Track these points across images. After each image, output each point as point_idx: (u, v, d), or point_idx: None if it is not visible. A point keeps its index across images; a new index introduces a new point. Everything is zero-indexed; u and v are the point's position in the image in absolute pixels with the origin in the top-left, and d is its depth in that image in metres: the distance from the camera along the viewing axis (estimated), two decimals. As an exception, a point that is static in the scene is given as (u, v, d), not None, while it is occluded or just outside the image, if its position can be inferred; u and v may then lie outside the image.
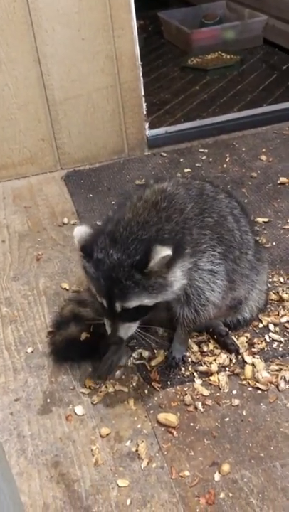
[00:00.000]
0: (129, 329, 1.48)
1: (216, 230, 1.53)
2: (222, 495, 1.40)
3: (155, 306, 1.44)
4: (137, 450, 1.52)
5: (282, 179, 2.47)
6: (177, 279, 1.43)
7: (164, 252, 1.36)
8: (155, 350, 1.76)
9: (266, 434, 1.53)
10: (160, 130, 2.89)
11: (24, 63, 2.53)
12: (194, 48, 3.99)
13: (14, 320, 1.96)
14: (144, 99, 2.74)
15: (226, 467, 1.45)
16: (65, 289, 2.06)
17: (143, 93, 2.71)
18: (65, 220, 2.43)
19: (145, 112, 2.78)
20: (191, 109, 3.28)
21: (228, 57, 3.90)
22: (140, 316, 1.46)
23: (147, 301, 1.41)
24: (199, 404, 1.61)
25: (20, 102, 2.60)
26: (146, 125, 2.81)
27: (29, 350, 1.84)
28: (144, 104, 2.76)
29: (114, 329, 1.47)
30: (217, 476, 1.44)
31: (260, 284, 1.76)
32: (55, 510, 1.41)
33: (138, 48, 2.60)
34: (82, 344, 1.75)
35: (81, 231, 1.48)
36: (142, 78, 2.69)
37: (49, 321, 1.91)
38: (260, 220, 2.25)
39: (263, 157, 2.64)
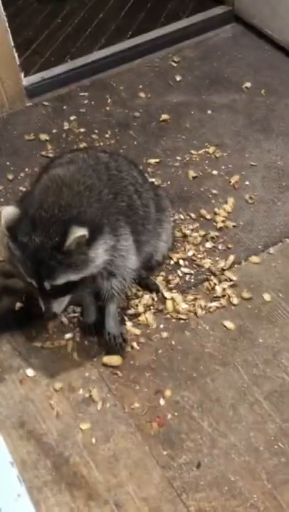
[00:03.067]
0: (62, 304, 1.62)
1: (127, 214, 1.69)
2: (169, 416, 1.69)
3: (83, 281, 1.59)
4: (90, 395, 1.74)
5: (164, 116, 2.61)
6: (99, 255, 1.57)
7: (80, 232, 1.49)
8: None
9: (194, 357, 1.81)
10: (36, 78, 2.89)
11: None
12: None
13: None
14: (14, 49, 2.71)
15: (167, 392, 1.73)
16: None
17: (13, 44, 2.68)
18: None
19: (19, 62, 2.76)
20: (59, 46, 3.25)
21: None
22: (70, 291, 1.60)
23: (73, 276, 1.55)
24: (134, 344, 1.85)
25: None
26: (22, 75, 2.80)
27: None
28: (16, 54, 2.74)
29: (47, 307, 1.61)
30: (162, 401, 1.71)
31: (165, 231, 1.96)
32: (33, 463, 1.63)
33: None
34: (18, 313, 1.91)
35: (9, 212, 1.55)
36: (9, 29, 2.65)
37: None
38: (152, 161, 2.41)
39: (142, 94, 2.75)
